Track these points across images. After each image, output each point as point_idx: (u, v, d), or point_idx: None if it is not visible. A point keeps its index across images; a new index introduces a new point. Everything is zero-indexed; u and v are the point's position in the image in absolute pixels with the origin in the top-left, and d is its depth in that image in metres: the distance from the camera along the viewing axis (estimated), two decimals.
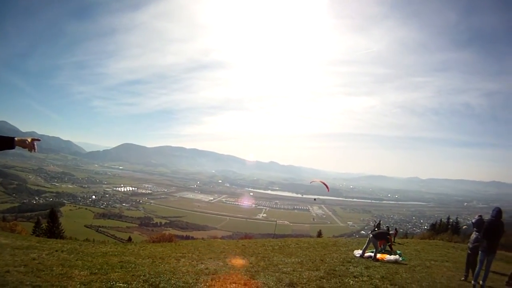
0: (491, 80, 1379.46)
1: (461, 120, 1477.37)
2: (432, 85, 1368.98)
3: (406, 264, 15.67)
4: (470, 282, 11.87)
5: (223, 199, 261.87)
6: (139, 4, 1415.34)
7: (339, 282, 11.31)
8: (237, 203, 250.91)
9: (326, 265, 14.59)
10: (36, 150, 5.19)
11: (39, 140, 5.20)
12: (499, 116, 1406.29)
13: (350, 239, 29.05)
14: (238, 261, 14.66)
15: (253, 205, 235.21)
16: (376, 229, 28.94)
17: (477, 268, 11.83)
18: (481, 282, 11.49)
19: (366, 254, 17.19)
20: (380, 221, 30.59)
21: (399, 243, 24.93)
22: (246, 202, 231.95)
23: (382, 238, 17.79)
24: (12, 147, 5.05)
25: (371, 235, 17.88)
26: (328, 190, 36.29)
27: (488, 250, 11.60)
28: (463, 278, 12.81)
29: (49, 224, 42.65)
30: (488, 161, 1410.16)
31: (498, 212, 11.73)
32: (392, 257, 17.52)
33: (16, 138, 5.03)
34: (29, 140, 5.08)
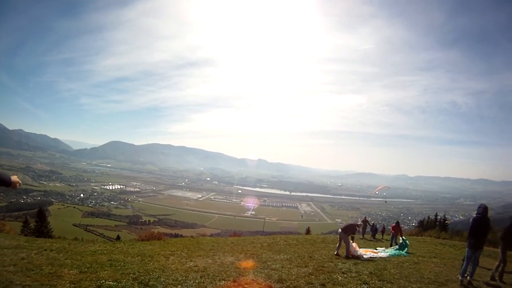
0: (477, 79, 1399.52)
1: (448, 118, 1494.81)
2: (419, 84, 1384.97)
3: (394, 260, 15.79)
4: (459, 277, 11.99)
5: (212, 197, 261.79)
6: (126, 0, 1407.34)
7: (327, 278, 11.43)
8: (225, 200, 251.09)
9: (314, 261, 14.74)
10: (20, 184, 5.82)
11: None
12: (486, 115, 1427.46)
13: (338, 236, 29.23)
14: (227, 259, 14.73)
15: (255, 205, 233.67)
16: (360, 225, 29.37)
17: (463, 264, 11.96)
18: (468, 277, 11.63)
19: (365, 254, 17.23)
20: (365, 217, 30.75)
21: (386, 240, 25.15)
22: (249, 203, 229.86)
23: (350, 230, 17.87)
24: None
25: (339, 230, 18.04)
26: (389, 188, 38.49)
27: (474, 247, 11.74)
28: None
29: (37, 223, 42.33)
30: (475, 159, 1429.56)
31: (484, 209, 11.85)
32: (383, 254, 17.73)
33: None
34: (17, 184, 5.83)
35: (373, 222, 32.09)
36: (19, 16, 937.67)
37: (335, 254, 16.95)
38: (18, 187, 5.85)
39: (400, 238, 22.97)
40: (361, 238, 27.43)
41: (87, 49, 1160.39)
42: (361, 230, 29.38)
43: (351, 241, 17.62)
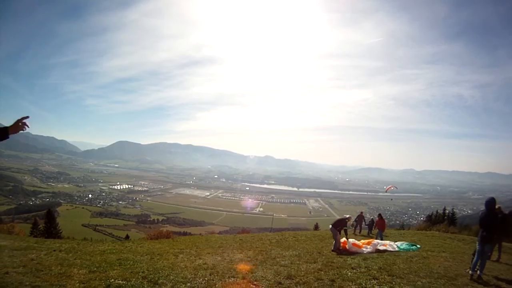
0: (482, 72, 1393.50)
1: (454, 112, 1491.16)
2: (424, 78, 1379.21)
3: (403, 255, 15.67)
4: (469, 271, 11.88)
5: (219, 194, 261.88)
6: (129, 1, 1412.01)
7: (337, 273, 11.38)
8: (233, 198, 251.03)
9: (323, 257, 14.69)
10: (28, 126, 5.30)
11: (27, 117, 5.30)
12: (492, 107, 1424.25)
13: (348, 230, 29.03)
14: (236, 256, 14.72)
15: (253, 206, 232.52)
16: (355, 221, 28.82)
17: (474, 258, 11.84)
18: (478, 272, 11.52)
19: (365, 248, 17.13)
20: (361, 212, 29.89)
21: (385, 236, 24.68)
22: (249, 203, 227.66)
23: (341, 225, 17.80)
24: (7, 137, 5.13)
25: (330, 226, 18.00)
26: (397, 188, 38.50)
27: (482, 241, 11.63)
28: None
29: (46, 225, 42.57)
30: (482, 152, 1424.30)
31: (487, 203, 11.70)
32: (390, 247, 17.57)
33: (9, 127, 5.10)
34: (20, 123, 5.20)
35: (372, 217, 31.33)
36: (23, 20, 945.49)
37: (332, 250, 16.95)
38: (23, 128, 5.26)
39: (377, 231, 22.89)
40: (353, 233, 26.84)
41: (91, 51, 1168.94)
42: (355, 225, 28.88)
43: (347, 238, 17.61)
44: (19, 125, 5.15)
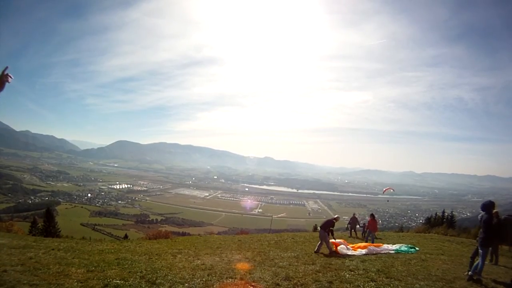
0: (482, 75, 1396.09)
1: (454, 114, 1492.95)
2: (424, 80, 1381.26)
3: (401, 258, 15.66)
4: (469, 272, 11.84)
5: (219, 195, 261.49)
6: (130, 1, 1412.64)
7: (335, 275, 11.40)
8: (232, 198, 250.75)
9: (321, 259, 14.74)
10: (12, 77, 5.28)
11: (7, 67, 5.23)
12: (492, 110, 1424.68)
13: (345, 233, 28.95)
14: (235, 256, 14.72)
15: (258, 203, 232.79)
16: (349, 223, 28.65)
17: (477, 261, 11.82)
18: (477, 275, 11.51)
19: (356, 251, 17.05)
20: (354, 214, 29.57)
21: (380, 239, 24.44)
22: (248, 204, 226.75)
23: (328, 226, 17.48)
24: None
25: (319, 228, 17.96)
26: (394, 190, 38.80)
27: (479, 244, 11.63)
28: None
29: (45, 223, 42.49)
30: (482, 155, 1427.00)
31: (484, 206, 11.70)
32: (389, 246, 17.58)
33: None
34: (3, 77, 5.20)
35: (362, 223, 30.92)
36: (24, 18, 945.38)
37: (315, 252, 16.86)
38: (7, 79, 5.23)
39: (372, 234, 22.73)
40: (349, 237, 26.60)
41: (91, 50, 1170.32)
42: (349, 228, 28.64)
43: (334, 238, 17.59)
44: (3, 79, 5.09)
